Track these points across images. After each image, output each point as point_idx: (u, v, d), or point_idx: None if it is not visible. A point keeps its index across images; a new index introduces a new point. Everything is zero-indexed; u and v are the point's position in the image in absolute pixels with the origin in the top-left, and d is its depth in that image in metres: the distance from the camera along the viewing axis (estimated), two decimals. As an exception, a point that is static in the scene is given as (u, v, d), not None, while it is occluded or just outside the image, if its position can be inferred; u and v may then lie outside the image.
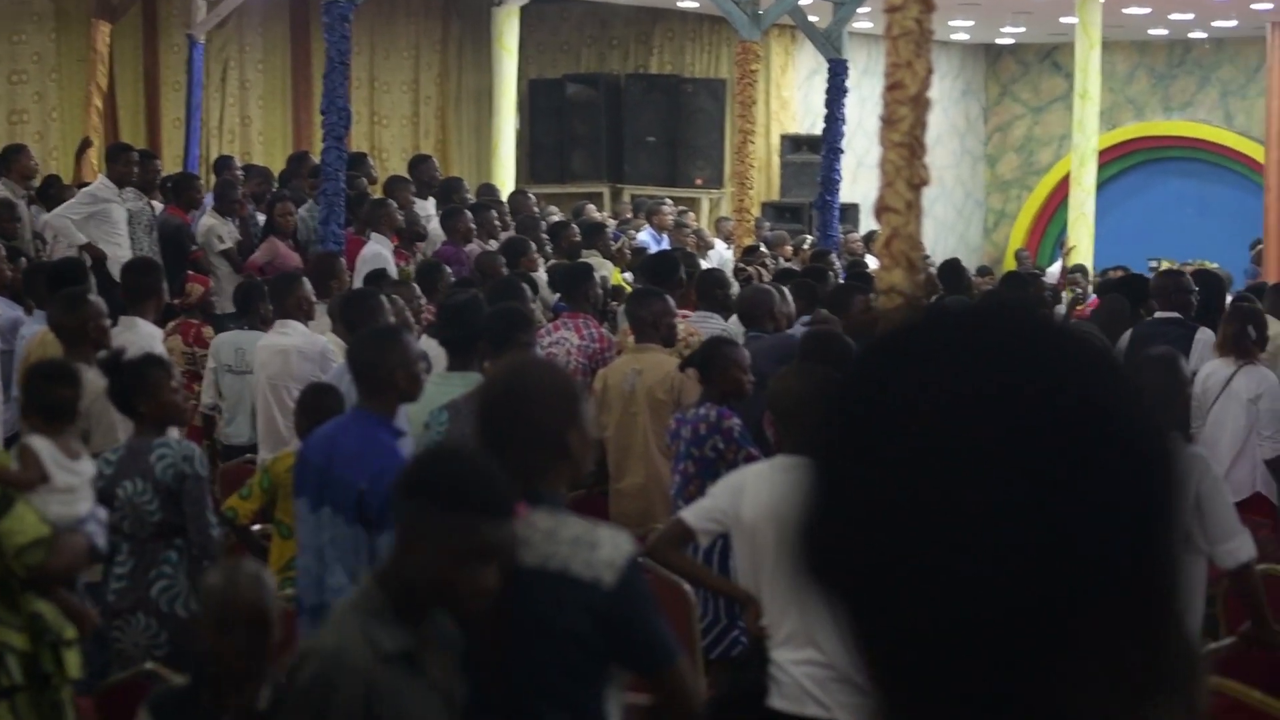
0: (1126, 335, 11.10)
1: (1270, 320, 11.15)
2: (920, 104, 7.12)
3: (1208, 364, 10.09)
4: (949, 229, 32.34)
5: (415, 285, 11.72)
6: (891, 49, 7.29)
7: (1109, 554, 1.22)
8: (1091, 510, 1.22)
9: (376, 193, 16.47)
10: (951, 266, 15.03)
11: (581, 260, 13.15)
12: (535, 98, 26.33)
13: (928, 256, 20.44)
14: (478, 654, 4.07)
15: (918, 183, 7.08)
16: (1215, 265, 23.32)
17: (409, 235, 14.75)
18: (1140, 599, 1.24)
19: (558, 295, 12.24)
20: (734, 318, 10.84)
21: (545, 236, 15.96)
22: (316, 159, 15.86)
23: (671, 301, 9.62)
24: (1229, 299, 12.58)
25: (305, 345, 10.18)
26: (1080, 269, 21.75)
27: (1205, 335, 10.64)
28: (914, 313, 1.30)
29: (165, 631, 6.92)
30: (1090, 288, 19.85)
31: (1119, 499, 1.23)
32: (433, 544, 3.76)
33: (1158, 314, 11.27)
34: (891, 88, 7.17)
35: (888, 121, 7.11)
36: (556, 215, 18.68)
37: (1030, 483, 1.21)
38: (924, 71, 7.12)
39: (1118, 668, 1.23)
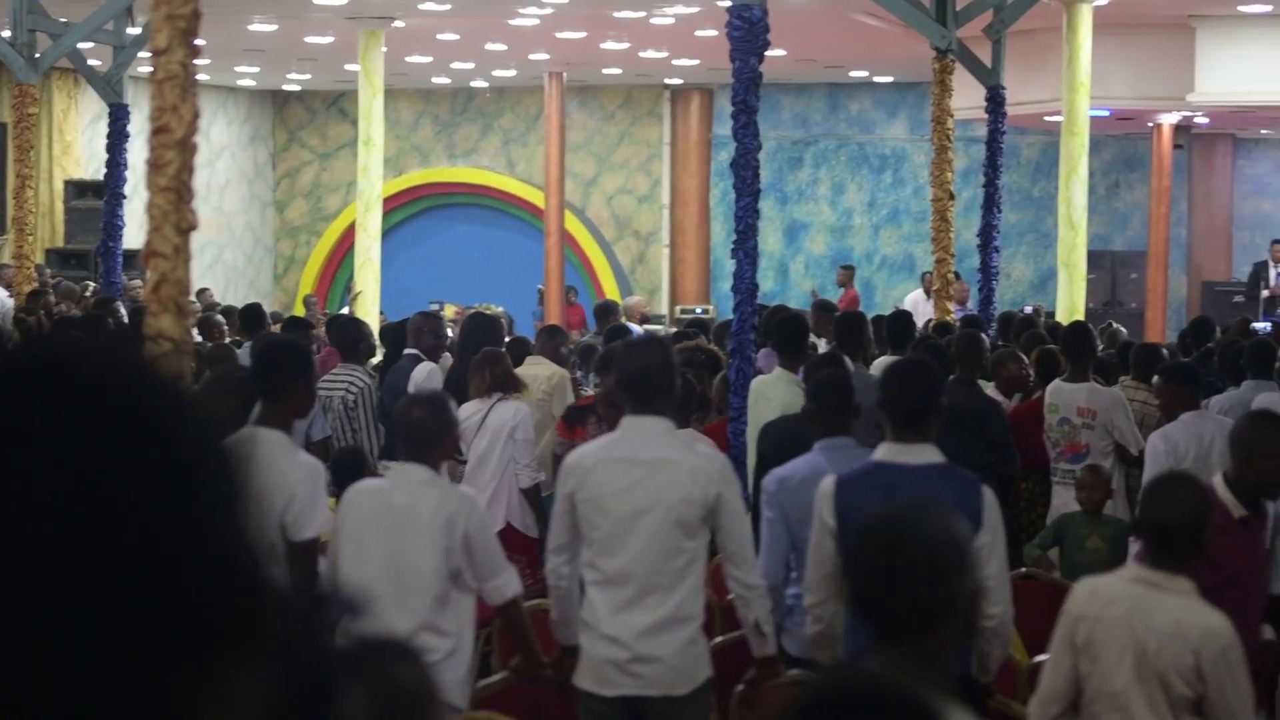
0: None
1: (540, 360, 11.53)
2: (187, 148, 7.02)
3: (467, 405, 10.37)
4: (240, 275, 32.20)
5: None
6: (157, 92, 7.16)
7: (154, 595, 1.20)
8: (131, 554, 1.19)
9: None
10: (251, 311, 14.92)
11: None
12: None
13: (218, 304, 20.30)
14: None
15: (186, 227, 6.97)
16: (500, 309, 23.94)
17: None
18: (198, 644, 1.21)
19: None
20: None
21: None
22: None
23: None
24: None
25: None
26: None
27: (421, 371, 11.04)
28: None
29: None
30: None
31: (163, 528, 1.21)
32: None
33: (407, 351, 11.53)
34: (157, 131, 7.05)
35: (154, 166, 6.98)
36: None
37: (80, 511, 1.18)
38: (190, 115, 7.03)
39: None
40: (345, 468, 9.01)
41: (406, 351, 11.59)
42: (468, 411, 10.26)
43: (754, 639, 6.45)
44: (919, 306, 22.99)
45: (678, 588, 6.27)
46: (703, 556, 6.41)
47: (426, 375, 11.08)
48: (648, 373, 6.35)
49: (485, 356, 10.56)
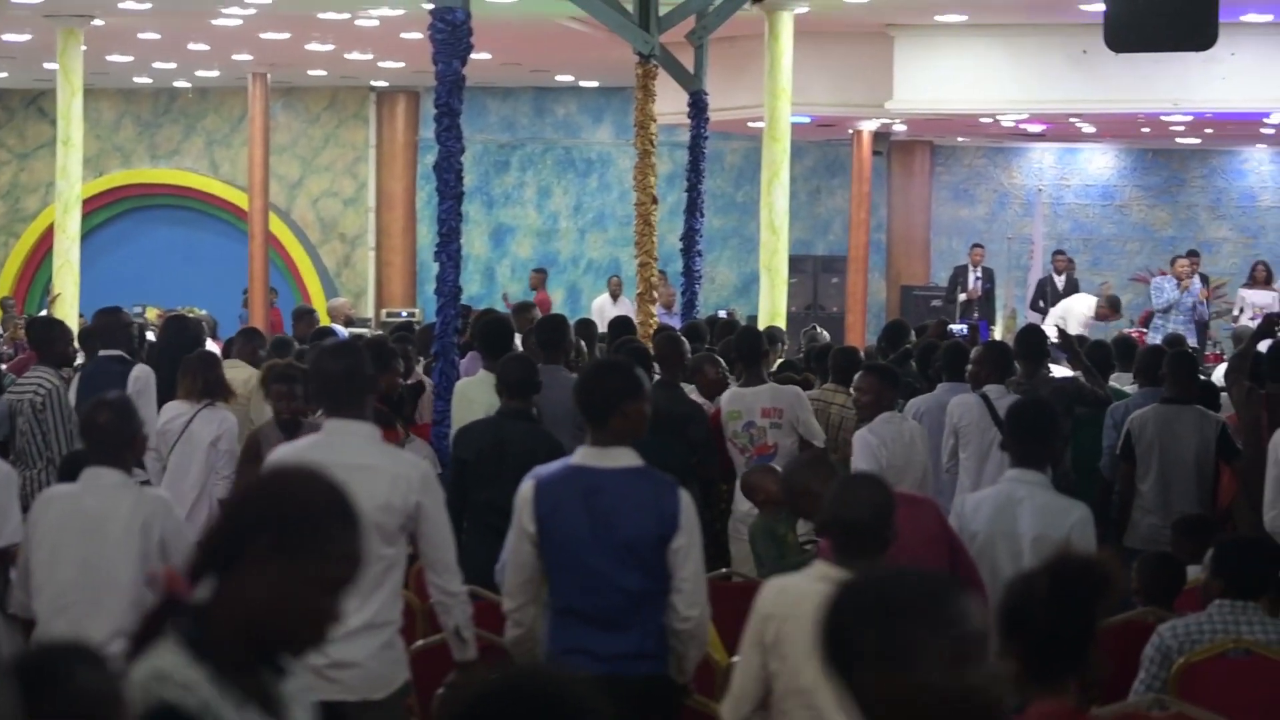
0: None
1: (237, 364, 11.42)
2: None
3: (171, 405, 10.21)
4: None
5: None
6: None
7: None
8: None
9: None
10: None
11: None
12: None
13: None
14: None
15: None
16: (204, 312, 23.63)
17: None
18: None
19: None
20: None
21: None
22: None
23: None
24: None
25: None
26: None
27: (142, 371, 10.87)
28: None
29: None
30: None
31: None
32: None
33: (102, 353, 11.31)
34: None
35: None
36: None
37: None
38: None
39: None
40: None
41: (104, 353, 11.24)
42: (171, 413, 10.10)
43: (454, 644, 6.46)
44: (605, 311, 23.16)
45: (375, 594, 6.24)
46: (401, 563, 6.40)
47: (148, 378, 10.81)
48: (346, 376, 6.32)
49: (201, 360, 10.41)
